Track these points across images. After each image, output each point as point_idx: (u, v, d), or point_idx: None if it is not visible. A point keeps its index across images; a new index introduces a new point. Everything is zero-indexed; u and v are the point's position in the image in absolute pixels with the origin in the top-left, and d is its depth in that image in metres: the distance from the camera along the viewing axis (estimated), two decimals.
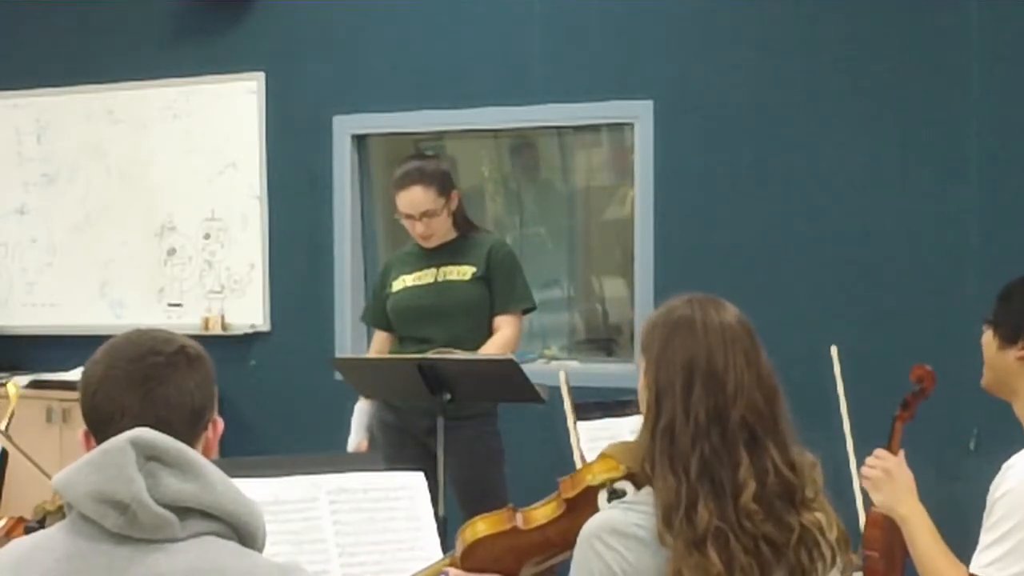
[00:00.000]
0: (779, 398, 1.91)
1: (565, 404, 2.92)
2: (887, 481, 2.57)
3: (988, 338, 2.63)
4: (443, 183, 4.01)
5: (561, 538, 2.12)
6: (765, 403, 1.88)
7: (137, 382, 1.72)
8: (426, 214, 3.97)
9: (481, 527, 2.18)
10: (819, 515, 1.89)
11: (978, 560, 2.39)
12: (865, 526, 2.63)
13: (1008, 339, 2.58)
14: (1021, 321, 2.57)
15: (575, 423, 2.89)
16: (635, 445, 1.96)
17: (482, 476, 3.92)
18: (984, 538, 2.42)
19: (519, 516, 2.17)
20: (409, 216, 4.00)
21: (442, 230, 4.02)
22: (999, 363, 2.60)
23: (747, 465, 1.84)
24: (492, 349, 3.88)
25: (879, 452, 2.64)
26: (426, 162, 4.14)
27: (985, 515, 2.46)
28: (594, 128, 5.33)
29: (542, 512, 2.15)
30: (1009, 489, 2.41)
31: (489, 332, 3.98)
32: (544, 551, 2.18)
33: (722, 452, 1.84)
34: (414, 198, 3.97)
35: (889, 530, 2.62)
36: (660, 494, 1.84)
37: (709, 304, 1.94)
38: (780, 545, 1.84)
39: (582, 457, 2.77)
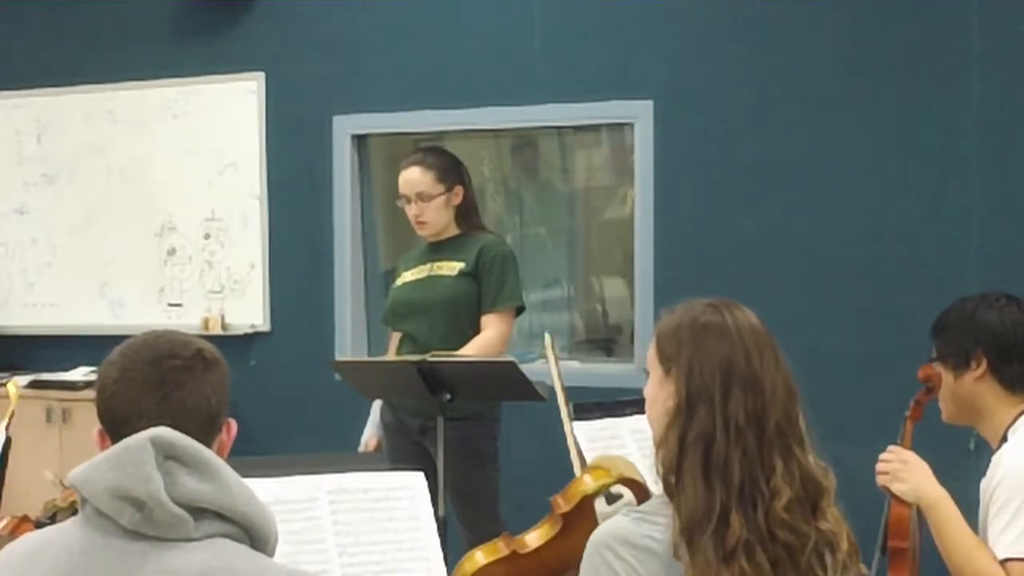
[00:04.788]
0: (798, 401, 1.88)
1: (552, 371, 2.87)
2: (907, 470, 2.57)
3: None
4: (445, 171, 3.99)
5: (559, 559, 2.11)
6: (792, 407, 1.85)
7: (154, 385, 1.72)
8: (420, 196, 3.94)
9: (479, 557, 2.19)
10: (832, 523, 1.86)
11: (1003, 542, 2.40)
12: (891, 518, 2.62)
13: (960, 366, 2.65)
14: (963, 344, 2.65)
15: (563, 388, 2.84)
16: (621, 459, 1.94)
17: (466, 479, 3.79)
18: (997, 523, 2.43)
19: (516, 541, 2.16)
20: (405, 197, 3.99)
21: (437, 220, 3.97)
22: (960, 392, 2.67)
23: (781, 472, 1.79)
24: (472, 350, 3.79)
25: (892, 447, 2.65)
26: (435, 152, 4.16)
27: (989, 505, 2.48)
28: (594, 128, 5.33)
29: (539, 534, 2.14)
30: (1005, 474, 2.46)
31: (473, 330, 3.90)
32: (545, 572, 2.17)
33: (756, 459, 1.79)
34: (410, 177, 3.97)
35: (913, 520, 2.62)
36: (688, 504, 1.78)
37: (732, 307, 1.90)
38: (796, 552, 1.80)
39: (571, 425, 2.73)
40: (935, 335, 2.73)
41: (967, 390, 2.64)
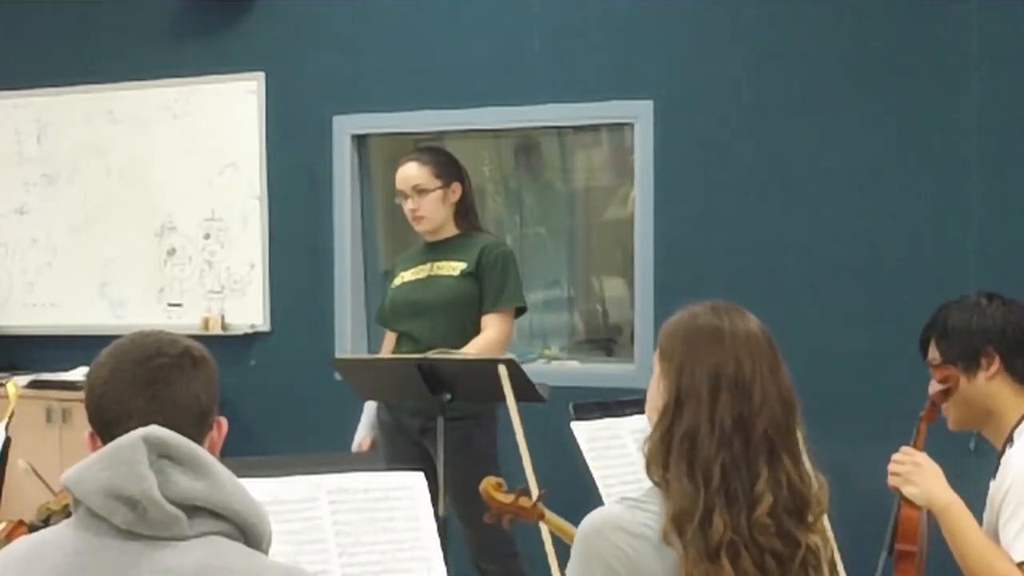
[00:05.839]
0: (796, 413, 1.89)
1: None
2: (919, 473, 2.55)
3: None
4: (442, 167, 4.00)
5: None
6: (784, 416, 1.86)
7: (143, 384, 1.72)
8: (416, 189, 3.96)
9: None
10: (818, 538, 1.88)
11: (1017, 547, 2.39)
12: (900, 521, 2.60)
13: (971, 367, 2.61)
14: (971, 343, 2.61)
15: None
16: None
17: (466, 479, 3.69)
18: (1010, 527, 2.42)
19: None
20: (402, 193, 4.00)
21: (434, 215, 3.98)
22: (973, 393, 2.62)
23: (766, 478, 1.82)
24: (472, 350, 3.79)
25: (905, 449, 2.62)
26: (433, 150, 4.18)
27: (999, 510, 2.47)
28: (594, 128, 5.32)
29: None
30: (1016, 477, 2.44)
31: (475, 330, 3.90)
32: None
33: (742, 463, 1.82)
34: (407, 173, 3.99)
35: (922, 523, 2.61)
36: (674, 498, 1.82)
37: (733, 312, 1.92)
38: (785, 560, 1.82)
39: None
40: (938, 340, 2.67)
41: (980, 390, 2.60)
